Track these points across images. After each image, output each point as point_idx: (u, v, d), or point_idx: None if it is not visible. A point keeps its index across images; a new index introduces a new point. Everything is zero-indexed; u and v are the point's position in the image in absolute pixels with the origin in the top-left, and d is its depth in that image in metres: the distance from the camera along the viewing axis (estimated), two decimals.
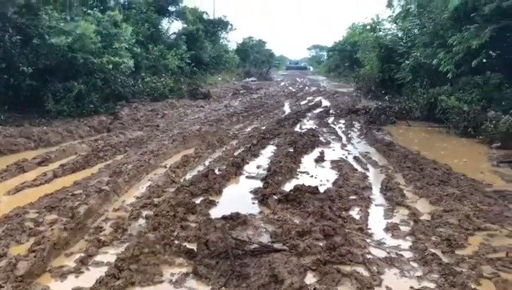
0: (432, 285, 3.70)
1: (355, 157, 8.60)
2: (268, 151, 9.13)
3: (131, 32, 17.31)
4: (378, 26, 26.07)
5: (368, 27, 28.42)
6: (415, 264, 4.04)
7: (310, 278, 3.76)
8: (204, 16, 34.88)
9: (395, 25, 21.65)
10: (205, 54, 30.19)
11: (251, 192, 6.20)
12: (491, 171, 7.55)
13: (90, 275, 3.81)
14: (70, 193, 5.79)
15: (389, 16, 22.48)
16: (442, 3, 13.98)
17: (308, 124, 13.20)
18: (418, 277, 3.83)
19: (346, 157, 8.66)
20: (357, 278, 3.74)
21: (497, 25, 11.44)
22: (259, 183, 6.59)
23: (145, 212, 5.27)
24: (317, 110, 16.65)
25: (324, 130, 11.97)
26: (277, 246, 4.29)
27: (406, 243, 4.51)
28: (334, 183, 6.62)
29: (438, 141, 10.73)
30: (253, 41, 55.50)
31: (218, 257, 4.00)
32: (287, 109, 17.50)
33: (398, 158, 8.26)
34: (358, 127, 12.69)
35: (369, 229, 4.85)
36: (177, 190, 6.03)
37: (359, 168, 7.69)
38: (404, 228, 4.91)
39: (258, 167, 7.74)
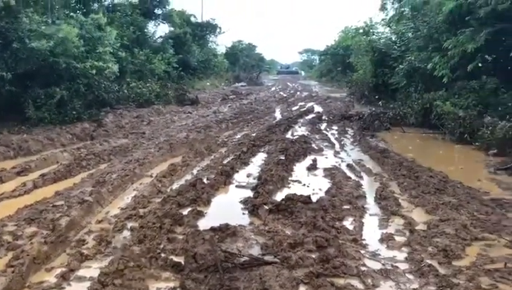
0: None
1: (348, 165, 8.63)
2: (259, 159, 9.13)
3: (115, 36, 17.23)
4: (371, 30, 26.27)
5: (361, 31, 28.60)
6: (411, 276, 4.05)
7: None
8: (192, 19, 34.92)
9: (388, 28, 21.83)
10: (193, 58, 30.19)
11: (241, 202, 6.18)
12: (488, 179, 7.62)
13: None
14: (51, 204, 5.73)
15: (383, 19, 22.71)
16: (436, 6, 14.11)
17: (300, 130, 13.23)
18: (414, 289, 3.84)
19: (339, 165, 8.68)
20: None
21: (492, 28, 11.58)
22: (249, 193, 6.58)
23: (130, 224, 5.23)
24: (309, 116, 16.72)
25: (316, 136, 12.01)
26: (268, 258, 4.27)
27: (401, 254, 4.53)
28: (327, 192, 6.63)
29: (433, 148, 10.81)
30: (242, 45, 55.57)
31: (206, 270, 3.97)
32: (278, 115, 17.53)
33: (393, 166, 8.30)
34: (352, 134, 12.75)
35: (364, 240, 4.86)
36: (164, 201, 6.00)
37: (353, 177, 7.72)
38: (400, 239, 4.92)
39: (248, 175, 7.74)
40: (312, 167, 8.39)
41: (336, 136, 12.40)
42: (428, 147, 11.00)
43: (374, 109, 15.87)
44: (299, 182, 7.38)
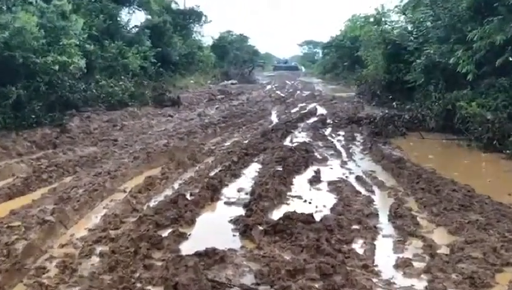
0: None
1: (357, 177, 8.65)
2: (252, 170, 9.13)
3: (82, 26, 17.20)
4: (383, 18, 26.40)
5: (372, 19, 28.81)
6: None
7: None
8: (173, 6, 35.07)
9: (403, 16, 22.00)
10: (174, 52, 30.17)
11: (231, 222, 6.17)
12: None
13: None
14: (6, 225, 5.68)
15: (397, 6, 22.87)
16: None
17: (301, 136, 13.28)
18: None
19: (346, 177, 8.71)
20: None
21: None
22: (240, 211, 6.57)
23: (99, 249, 5.20)
24: (312, 120, 16.78)
25: (320, 144, 12.04)
26: (263, 289, 4.26)
27: (420, 283, 4.53)
28: (332, 209, 6.63)
29: (457, 157, 10.86)
30: (232, 36, 55.78)
31: None
32: (274, 118, 17.58)
33: (410, 178, 8.32)
34: (361, 140, 12.80)
35: (376, 266, 4.87)
36: (139, 220, 5.97)
37: (363, 191, 7.73)
38: (418, 264, 4.93)
39: (240, 190, 7.73)
40: (315, 180, 8.39)
41: (343, 143, 12.44)
42: (451, 155, 11.06)
43: (387, 111, 15.95)
44: (300, 197, 7.37)
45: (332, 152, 11.06)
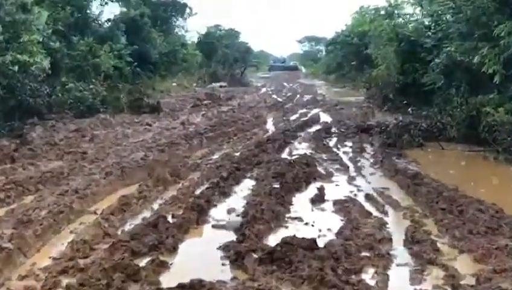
0: None
1: (367, 196, 8.65)
2: (245, 188, 9.13)
3: (46, 20, 17.23)
4: (396, 11, 26.64)
5: (383, 12, 29.08)
6: None
7: None
8: None
9: (419, 9, 22.14)
10: (153, 50, 30.28)
11: (220, 248, 6.15)
12: None
13: None
14: None
15: None
16: None
17: (301, 148, 13.31)
18: None
19: (355, 195, 8.71)
20: None
21: None
22: (231, 236, 6.54)
23: (65, 281, 5.16)
24: (314, 129, 16.82)
25: (323, 156, 12.06)
26: None
27: None
28: (338, 233, 6.62)
29: (482, 171, 10.88)
30: (221, 31, 55.88)
31: None
32: (270, 126, 17.61)
33: (429, 196, 8.32)
34: (372, 152, 12.82)
35: None
36: (113, 247, 5.93)
37: (374, 212, 7.73)
38: None
39: (230, 211, 7.71)
40: (318, 199, 8.38)
41: (350, 155, 12.45)
42: (475, 169, 11.07)
43: (401, 118, 15.95)
44: (300, 219, 7.36)
45: (338, 166, 11.06)
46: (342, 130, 16.35)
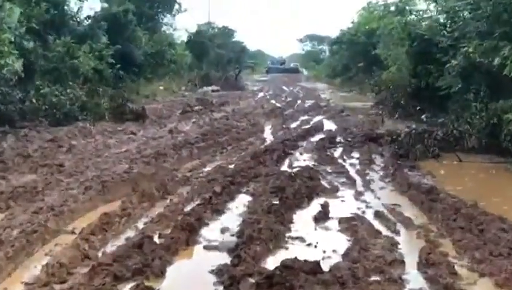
0: None
1: (377, 213, 8.63)
2: (240, 204, 9.11)
3: (19, 17, 17.24)
4: (408, 7, 26.65)
5: (393, 8, 29.05)
6: None
7: None
8: None
9: (434, 4, 22.15)
10: (138, 50, 30.30)
11: (213, 272, 6.13)
12: None
13: None
14: None
15: None
16: None
17: (303, 159, 13.32)
18: None
19: (363, 212, 8.70)
20: None
21: None
22: (225, 258, 6.53)
23: None
24: (317, 138, 16.80)
25: (328, 169, 12.05)
26: None
27: None
28: (345, 255, 6.60)
29: (505, 185, 10.88)
30: (214, 29, 56.06)
31: None
32: (268, 135, 17.61)
33: (445, 213, 8.31)
34: (382, 164, 12.82)
35: None
36: (93, 271, 5.91)
37: (384, 231, 7.71)
38: None
39: (224, 230, 7.69)
40: (322, 217, 8.37)
41: (358, 167, 12.44)
42: (497, 183, 11.07)
43: (414, 125, 15.97)
44: (302, 240, 7.34)
45: (344, 180, 11.05)
46: (348, 139, 16.35)
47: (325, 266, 6.04)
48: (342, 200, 9.55)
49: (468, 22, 16.82)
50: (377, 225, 8.02)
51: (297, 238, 7.41)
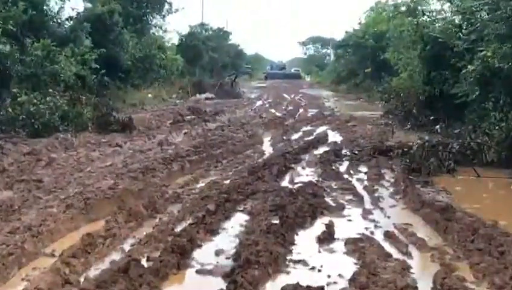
0: None
1: (387, 234, 8.62)
2: (236, 224, 9.10)
3: None
4: (420, 7, 26.75)
5: (403, 8, 29.13)
6: None
7: None
8: None
9: (448, 4, 22.26)
10: (124, 54, 30.36)
11: None
12: None
13: None
14: None
15: None
16: None
17: (305, 174, 13.32)
18: None
19: (371, 233, 8.68)
20: None
21: None
22: (220, 283, 6.51)
23: None
24: (321, 150, 16.82)
25: (333, 185, 12.05)
26: None
27: None
28: (352, 281, 6.58)
29: None
30: (208, 31, 56.25)
31: None
32: (267, 147, 17.61)
33: (462, 234, 8.31)
34: (392, 180, 12.82)
35: None
36: None
37: (395, 253, 7.70)
38: None
39: (218, 253, 7.68)
40: (326, 238, 8.35)
41: (366, 183, 12.44)
42: None
43: (427, 137, 15.98)
44: (305, 263, 7.32)
45: (351, 197, 11.04)
46: (355, 152, 16.34)
47: None
48: (349, 220, 9.54)
49: (486, 23, 16.84)
50: (387, 246, 8.00)
51: (299, 261, 7.38)
